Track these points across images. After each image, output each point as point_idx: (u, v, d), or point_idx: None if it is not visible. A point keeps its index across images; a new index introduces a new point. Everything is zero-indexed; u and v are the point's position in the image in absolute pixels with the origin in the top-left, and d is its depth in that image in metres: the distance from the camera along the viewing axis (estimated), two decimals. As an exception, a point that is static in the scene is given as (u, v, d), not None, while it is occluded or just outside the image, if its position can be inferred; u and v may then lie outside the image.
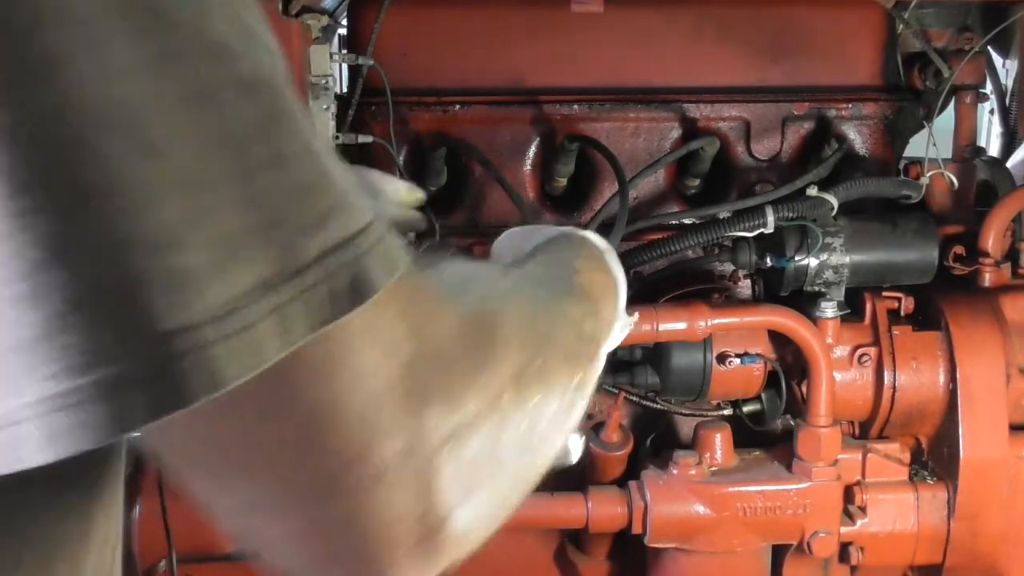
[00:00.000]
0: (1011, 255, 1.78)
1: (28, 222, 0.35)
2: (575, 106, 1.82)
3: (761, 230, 1.64)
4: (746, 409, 1.77)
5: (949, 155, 1.84)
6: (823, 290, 1.69)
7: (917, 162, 1.76)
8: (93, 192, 0.36)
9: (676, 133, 1.85)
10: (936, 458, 1.76)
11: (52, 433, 0.36)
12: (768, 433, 1.77)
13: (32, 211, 0.35)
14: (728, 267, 1.85)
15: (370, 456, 0.46)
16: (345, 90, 1.90)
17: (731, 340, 1.68)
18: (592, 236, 0.87)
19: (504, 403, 0.53)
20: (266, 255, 0.40)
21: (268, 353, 0.40)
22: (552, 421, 0.58)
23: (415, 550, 0.49)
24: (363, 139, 1.66)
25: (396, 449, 0.46)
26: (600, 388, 1.79)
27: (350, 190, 0.44)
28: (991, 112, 2.35)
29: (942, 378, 1.71)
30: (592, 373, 0.67)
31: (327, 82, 1.48)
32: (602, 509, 1.63)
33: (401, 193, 1.12)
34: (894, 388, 1.71)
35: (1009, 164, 2.08)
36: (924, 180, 1.73)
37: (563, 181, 1.84)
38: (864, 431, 1.78)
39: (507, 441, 0.53)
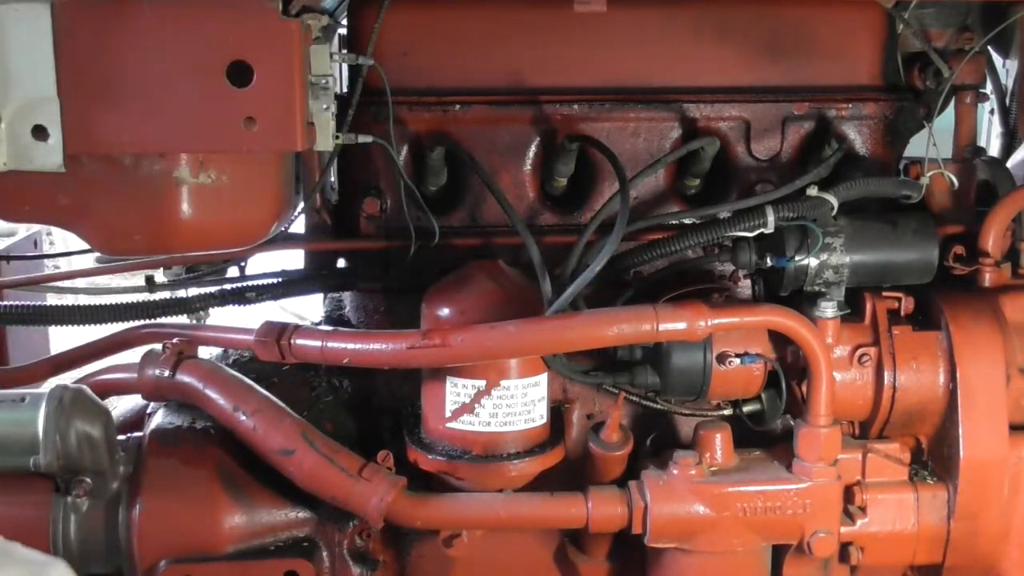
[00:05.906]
0: (1011, 255, 1.78)
1: None
2: (575, 106, 1.81)
3: (761, 230, 1.64)
4: (746, 409, 1.76)
5: (949, 155, 1.84)
6: (823, 290, 1.69)
7: (917, 162, 1.76)
8: None
9: (676, 133, 1.85)
10: (936, 458, 1.76)
11: None
12: (768, 433, 1.77)
13: None
14: (728, 267, 1.85)
15: None
16: (345, 90, 1.90)
17: (731, 340, 1.68)
18: None
19: None
20: None
21: None
22: None
23: None
24: (363, 139, 1.66)
25: None
26: (600, 388, 1.80)
27: None
28: (991, 112, 2.35)
29: (942, 378, 1.71)
30: None
31: (327, 82, 1.48)
32: (602, 509, 1.63)
33: None
34: (894, 388, 1.71)
35: (1009, 164, 2.08)
36: (924, 180, 1.73)
37: (563, 181, 1.84)
38: (864, 431, 1.78)
39: None
